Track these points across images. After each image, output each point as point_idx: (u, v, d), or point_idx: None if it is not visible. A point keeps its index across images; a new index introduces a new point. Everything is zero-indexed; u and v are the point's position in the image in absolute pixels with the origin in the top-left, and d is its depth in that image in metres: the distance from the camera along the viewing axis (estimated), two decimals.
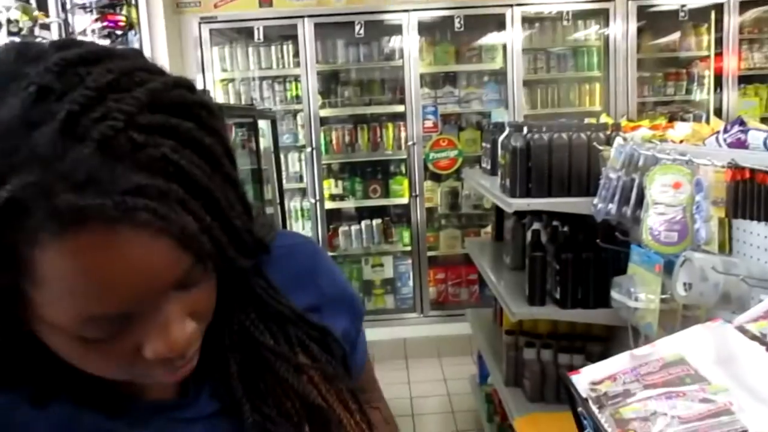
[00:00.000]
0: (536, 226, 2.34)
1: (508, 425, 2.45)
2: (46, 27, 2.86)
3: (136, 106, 0.44)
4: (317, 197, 4.30)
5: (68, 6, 3.19)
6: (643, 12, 4.25)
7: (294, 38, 4.22)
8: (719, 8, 4.25)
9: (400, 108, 4.34)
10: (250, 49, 4.36)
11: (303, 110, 4.27)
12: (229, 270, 0.54)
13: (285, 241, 0.69)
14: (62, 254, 0.42)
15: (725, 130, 1.59)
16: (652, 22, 4.43)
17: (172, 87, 0.48)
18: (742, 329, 0.75)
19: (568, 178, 2.07)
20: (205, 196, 0.47)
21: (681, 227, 1.45)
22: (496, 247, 3.07)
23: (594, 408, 0.70)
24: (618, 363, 0.76)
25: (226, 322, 0.60)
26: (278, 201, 3.87)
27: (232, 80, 4.43)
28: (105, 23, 3.24)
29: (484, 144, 3.23)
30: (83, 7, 3.21)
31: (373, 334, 0.80)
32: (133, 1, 3.51)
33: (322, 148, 4.32)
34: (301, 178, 4.47)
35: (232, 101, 4.34)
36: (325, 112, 4.38)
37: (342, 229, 4.49)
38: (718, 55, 4.33)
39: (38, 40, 2.50)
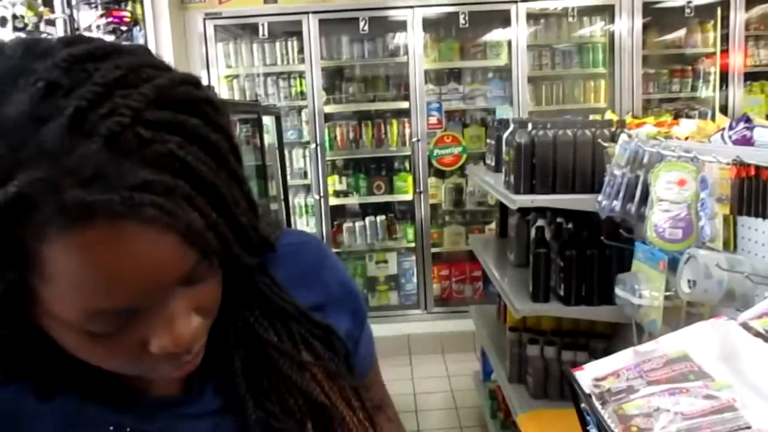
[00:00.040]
0: (540, 222, 2.33)
1: (512, 422, 2.46)
2: (51, 23, 2.86)
3: (143, 102, 0.44)
4: (321, 193, 4.30)
5: (73, 2, 3.19)
6: (648, 8, 4.23)
7: (298, 34, 4.22)
8: (725, 5, 4.23)
9: (404, 104, 4.33)
10: (255, 45, 4.36)
11: (307, 106, 4.28)
12: (235, 267, 0.54)
13: (291, 240, 0.69)
14: (69, 249, 0.42)
15: (730, 127, 1.58)
16: (657, 19, 4.41)
17: (179, 83, 0.48)
18: (746, 326, 0.75)
19: (572, 175, 2.07)
20: (211, 192, 0.48)
21: (686, 224, 1.45)
22: (500, 243, 3.07)
23: (597, 404, 0.70)
24: (621, 359, 0.76)
25: (230, 319, 0.60)
26: (282, 197, 3.88)
27: (237, 76, 4.43)
28: (110, 19, 3.25)
29: (488, 140, 3.23)
30: (88, 3, 3.22)
31: (376, 330, 0.80)
32: None
33: (327, 144, 4.33)
34: (305, 175, 4.48)
35: (236, 97, 4.35)
36: (329, 109, 4.38)
37: (346, 225, 4.49)
38: (724, 51, 4.32)
39: (44, 35, 2.51)
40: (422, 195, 4.34)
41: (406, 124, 4.35)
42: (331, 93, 4.46)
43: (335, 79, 4.53)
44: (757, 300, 1.14)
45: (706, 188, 1.38)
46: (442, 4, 4.21)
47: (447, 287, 4.53)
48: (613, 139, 1.95)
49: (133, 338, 0.49)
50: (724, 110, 4.20)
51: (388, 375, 0.82)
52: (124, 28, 3.33)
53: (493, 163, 2.94)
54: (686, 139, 1.81)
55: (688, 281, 1.29)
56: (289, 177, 4.15)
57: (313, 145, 4.27)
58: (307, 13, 4.12)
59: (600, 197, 1.82)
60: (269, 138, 3.79)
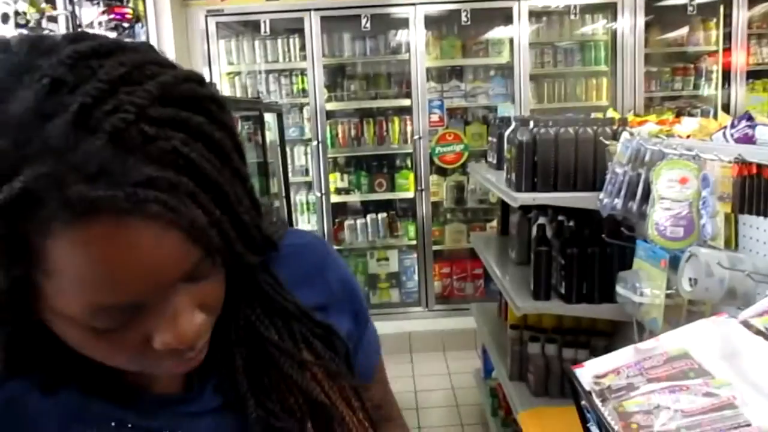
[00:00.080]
0: (542, 220, 2.33)
1: (512, 419, 2.46)
2: (53, 19, 2.86)
3: (147, 99, 0.44)
4: (323, 191, 4.30)
5: None
6: (650, 6, 4.22)
7: (300, 31, 4.22)
8: (728, 3, 4.22)
9: (406, 102, 4.33)
10: (257, 43, 4.36)
11: (309, 104, 4.28)
12: (238, 265, 0.55)
13: (295, 240, 0.70)
14: (73, 245, 0.43)
15: (732, 125, 1.58)
16: (660, 17, 4.41)
17: (183, 80, 0.48)
18: (746, 324, 0.75)
19: (574, 173, 2.07)
20: (214, 189, 0.48)
21: (687, 222, 1.45)
22: (501, 241, 3.07)
23: (597, 401, 0.71)
24: (622, 357, 0.76)
25: (232, 317, 0.61)
26: (284, 194, 3.88)
27: (239, 73, 4.43)
28: (112, 16, 3.25)
29: (490, 138, 3.23)
30: None
31: (377, 327, 0.80)
32: None
33: (328, 141, 4.32)
34: (306, 172, 4.48)
35: (238, 94, 4.35)
36: (331, 106, 4.38)
37: (347, 222, 4.50)
38: (727, 50, 4.31)
39: (46, 32, 2.51)
40: (424, 192, 4.34)
41: (408, 122, 4.34)
42: (333, 90, 4.46)
43: (337, 76, 4.53)
44: (758, 298, 1.14)
45: (707, 186, 1.38)
46: (444, 2, 4.21)
47: (448, 285, 4.53)
48: (615, 137, 1.95)
49: (136, 334, 0.49)
50: (726, 108, 4.19)
51: (390, 372, 0.82)
52: (126, 24, 3.33)
53: (494, 161, 2.94)
54: (688, 137, 1.81)
55: (690, 279, 1.30)
56: (290, 174, 4.15)
57: (314, 143, 4.27)
58: (309, 10, 4.12)
59: (601, 195, 1.82)
60: (271, 135, 3.79)
